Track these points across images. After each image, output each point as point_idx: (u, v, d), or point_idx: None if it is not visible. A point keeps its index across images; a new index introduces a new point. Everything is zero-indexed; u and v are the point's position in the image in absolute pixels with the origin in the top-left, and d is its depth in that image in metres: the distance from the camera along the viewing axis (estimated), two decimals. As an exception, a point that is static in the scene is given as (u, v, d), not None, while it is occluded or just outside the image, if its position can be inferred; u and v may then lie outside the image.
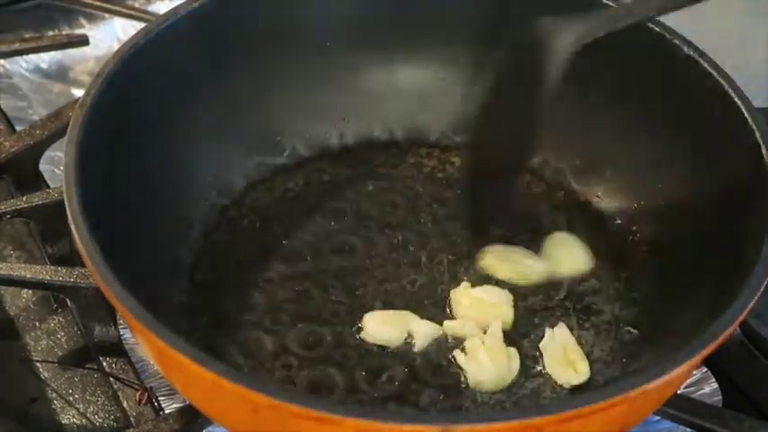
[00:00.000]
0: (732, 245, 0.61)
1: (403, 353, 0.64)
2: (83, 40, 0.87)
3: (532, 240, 0.70)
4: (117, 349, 0.67)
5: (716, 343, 0.52)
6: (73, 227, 0.55)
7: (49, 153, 0.77)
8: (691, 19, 0.65)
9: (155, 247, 0.65)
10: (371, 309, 0.66)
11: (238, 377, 0.49)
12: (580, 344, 0.64)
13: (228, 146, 0.72)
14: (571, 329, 0.65)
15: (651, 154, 0.70)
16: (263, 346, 0.63)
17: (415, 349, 0.63)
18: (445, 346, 0.64)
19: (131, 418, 0.63)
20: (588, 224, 0.71)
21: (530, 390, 0.62)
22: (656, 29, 0.69)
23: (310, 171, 0.75)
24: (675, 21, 0.66)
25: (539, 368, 0.63)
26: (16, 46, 0.86)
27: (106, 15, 0.91)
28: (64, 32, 0.91)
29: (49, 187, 0.74)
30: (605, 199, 0.72)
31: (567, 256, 0.69)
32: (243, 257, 0.69)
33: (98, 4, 0.89)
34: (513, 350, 0.63)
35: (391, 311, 0.65)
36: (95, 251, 0.54)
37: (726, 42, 0.79)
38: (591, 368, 0.63)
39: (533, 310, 0.66)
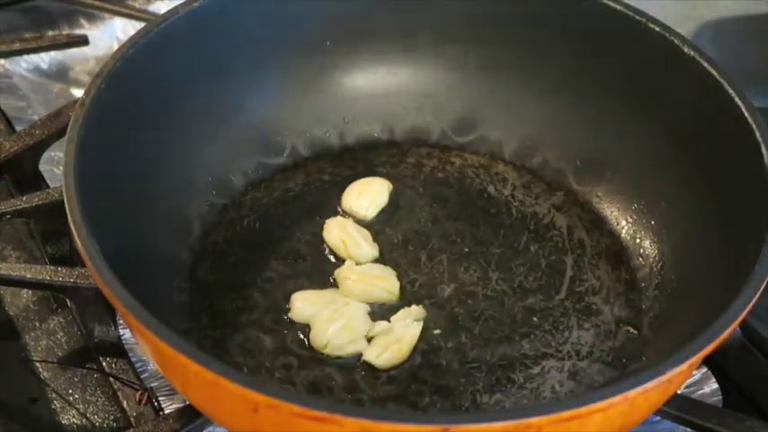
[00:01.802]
0: (732, 245, 0.61)
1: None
2: (83, 40, 0.87)
3: (533, 241, 0.71)
4: (117, 349, 0.67)
5: (715, 343, 0.52)
6: (72, 227, 0.55)
7: (49, 153, 0.77)
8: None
9: (154, 246, 0.65)
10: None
11: (238, 377, 0.49)
12: (580, 344, 0.65)
13: (228, 146, 0.72)
14: (571, 329, 0.65)
15: (651, 154, 0.70)
16: (262, 346, 0.63)
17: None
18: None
19: (131, 418, 0.63)
20: (588, 224, 0.71)
21: (529, 390, 0.62)
22: (657, 29, 0.69)
23: (310, 171, 0.75)
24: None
25: (538, 369, 0.63)
26: (16, 46, 0.86)
27: (106, 15, 0.91)
28: (64, 32, 0.91)
29: (48, 187, 0.74)
30: (605, 199, 0.72)
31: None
32: (243, 257, 0.69)
33: (98, 4, 0.89)
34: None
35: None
36: (95, 251, 0.54)
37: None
38: (591, 368, 0.63)
39: (533, 310, 0.66)
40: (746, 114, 0.63)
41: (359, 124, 0.76)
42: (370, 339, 0.64)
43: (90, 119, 0.61)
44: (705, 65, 0.66)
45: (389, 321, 0.65)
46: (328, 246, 0.69)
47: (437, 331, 0.65)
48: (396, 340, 0.63)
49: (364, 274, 0.67)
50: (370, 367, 0.63)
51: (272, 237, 0.70)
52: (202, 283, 0.66)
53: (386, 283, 0.66)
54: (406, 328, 0.64)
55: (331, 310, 0.64)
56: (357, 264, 0.68)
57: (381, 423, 0.47)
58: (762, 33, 0.91)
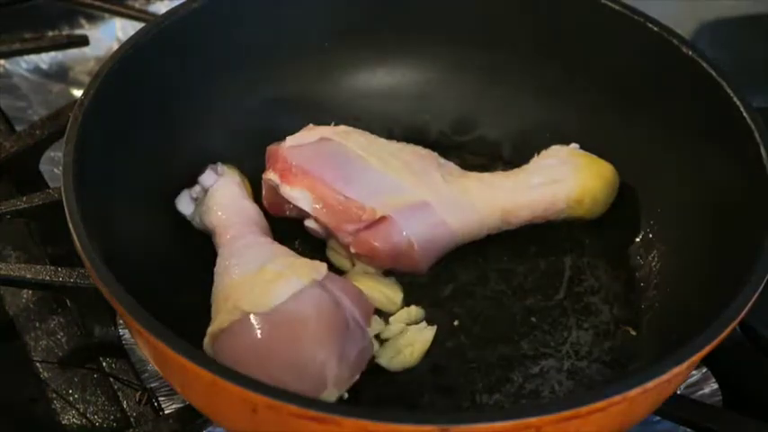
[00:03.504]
0: (731, 245, 0.61)
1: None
2: (83, 40, 0.87)
3: (532, 241, 0.71)
4: (117, 349, 0.67)
5: (714, 343, 0.52)
6: (71, 227, 0.56)
7: (49, 153, 0.77)
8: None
9: (154, 246, 0.65)
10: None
11: (237, 377, 0.49)
12: (579, 344, 0.65)
13: (228, 145, 0.72)
14: (570, 329, 0.65)
15: (650, 154, 0.70)
16: (262, 346, 0.63)
17: None
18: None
19: (131, 419, 0.63)
20: (587, 224, 0.71)
21: (528, 390, 0.62)
22: (656, 29, 0.69)
23: (310, 171, 0.75)
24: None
25: (537, 369, 0.63)
26: (16, 46, 0.86)
27: (106, 15, 0.91)
28: (64, 32, 0.91)
29: (48, 187, 0.74)
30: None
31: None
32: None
33: (98, 4, 0.89)
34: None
35: None
36: (94, 252, 0.54)
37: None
38: (590, 368, 0.63)
39: (532, 310, 0.66)
40: (746, 115, 0.63)
41: (358, 124, 0.75)
42: (378, 338, 0.64)
43: (89, 119, 0.61)
44: (705, 65, 0.66)
45: (389, 322, 0.65)
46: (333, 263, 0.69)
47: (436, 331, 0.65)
48: (408, 344, 0.63)
49: (373, 279, 0.67)
50: (370, 367, 0.63)
51: (273, 236, 0.70)
52: (202, 282, 0.66)
53: (390, 291, 0.66)
54: (419, 332, 0.64)
55: None
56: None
57: (380, 423, 0.47)
58: (762, 33, 0.91)
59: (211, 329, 0.59)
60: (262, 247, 0.63)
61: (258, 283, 0.59)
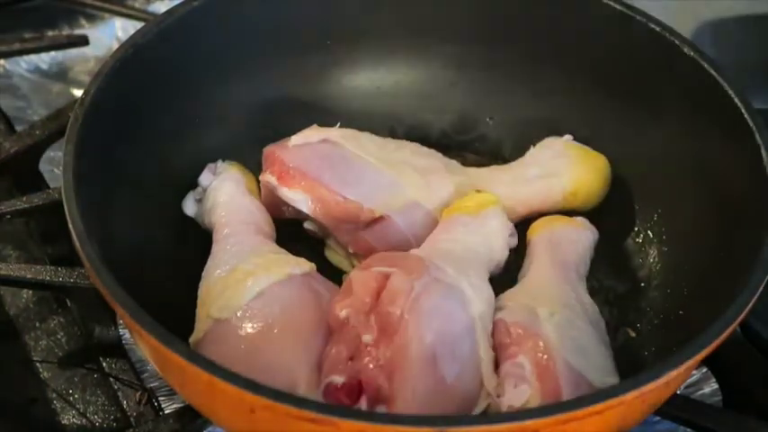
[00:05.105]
0: (731, 246, 0.61)
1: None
2: (83, 40, 0.87)
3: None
4: (117, 349, 0.67)
5: (713, 346, 0.52)
6: (71, 227, 0.56)
7: (49, 153, 0.77)
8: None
9: (154, 247, 0.65)
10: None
11: (235, 378, 0.49)
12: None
13: (228, 145, 0.72)
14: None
15: (651, 155, 0.70)
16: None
17: None
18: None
19: (131, 419, 0.63)
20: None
21: (527, 391, 0.62)
22: (657, 28, 0.69)
23: (310, 170, 0.75)
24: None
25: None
26: (16, 46, 0.86)
27: (106, 15, 0.91)
28: (64, 32, 0.91)
29: (48, 187, 0.75)
30: (605, 199, 0.72)
31: None
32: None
33: (98, 4, 0.89)
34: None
35: None
36: (93, 253, 0.54)
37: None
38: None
39: (532, 311, 0.66)
40: (746, 115, 0.63)
41: (359, 123, 0.75)
42: None
43: (89, 119, 0.61)
44: (706, 65, 0.66)
45: None
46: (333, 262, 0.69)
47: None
48: None
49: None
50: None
51: (275, 234, 0.70)
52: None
53: None
54: None
55: None
56: None
57: (377, 425, 0.47)
58: (762, 33, 0.91)
59: (191, 339, 0.58)
60: (243, 246, 0.62)
61: (229, 285, 0.58)
